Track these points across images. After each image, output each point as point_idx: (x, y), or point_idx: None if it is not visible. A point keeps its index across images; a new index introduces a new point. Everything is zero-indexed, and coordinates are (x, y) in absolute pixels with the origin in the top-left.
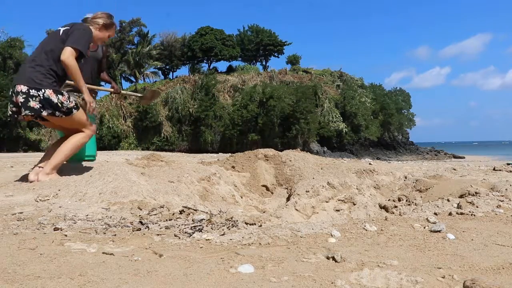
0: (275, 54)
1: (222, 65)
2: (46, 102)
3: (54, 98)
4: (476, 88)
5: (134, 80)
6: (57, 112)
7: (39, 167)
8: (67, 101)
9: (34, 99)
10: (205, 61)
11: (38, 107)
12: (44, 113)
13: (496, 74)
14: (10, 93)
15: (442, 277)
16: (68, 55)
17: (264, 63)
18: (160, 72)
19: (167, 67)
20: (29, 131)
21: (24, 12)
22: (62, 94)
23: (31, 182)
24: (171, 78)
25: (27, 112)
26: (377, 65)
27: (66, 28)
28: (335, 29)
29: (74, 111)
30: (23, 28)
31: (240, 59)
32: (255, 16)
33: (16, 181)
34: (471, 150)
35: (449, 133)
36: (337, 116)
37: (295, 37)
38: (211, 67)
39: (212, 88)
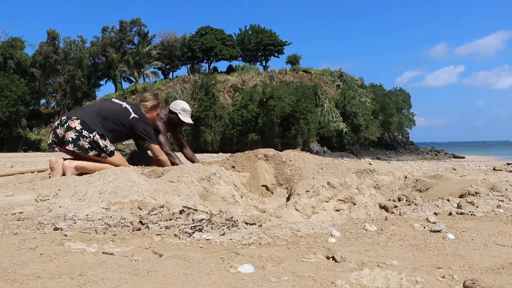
0: (275, 54)
1: (222, 65)
2: (94, 144)
3: (101, 142)
4: (486, 88)
5: (134, 80)
6: (102, 154)
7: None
8: (109, 145)
9: (84, 139)
10: (205, 61)
11: (87, 147)
12: (91, 153)
13: (510, 73)
14: (56, 123)
15: (442, 277)
16: (157, 153)
17: (264, 63)
18: (160, 72)
19: (167, 67)
20: (29, 131)
21: (24, 12)
22: (105, 139)
23: (52, 167)
24: (171, 78)
25: (75, 149)
26: (390, 64)
27: (134, 116)
28: (347, 28)
29: (116, 152)
30: (23, 28)
31: (240, 59)
32: (255, 16)
33: (16, 181)
34: (481, 149)
35: (454, 132)
36: (337, 116)
37: (295, 37)
38: (211, 67)
39: (212, 88)
